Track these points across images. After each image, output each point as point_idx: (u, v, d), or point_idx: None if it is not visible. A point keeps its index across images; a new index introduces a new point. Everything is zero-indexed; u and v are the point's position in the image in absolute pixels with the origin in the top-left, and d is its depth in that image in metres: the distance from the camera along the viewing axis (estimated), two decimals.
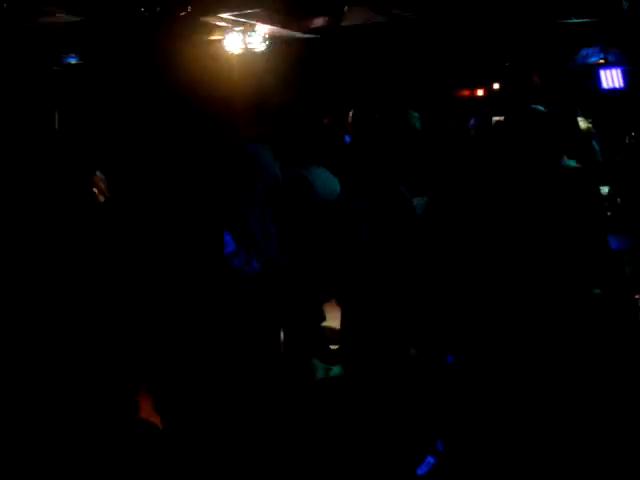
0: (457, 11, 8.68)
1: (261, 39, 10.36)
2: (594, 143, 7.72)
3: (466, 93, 12.53)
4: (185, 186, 5.28)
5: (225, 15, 9.56)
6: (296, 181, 5.17)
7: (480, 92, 12.57)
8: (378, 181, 4.17)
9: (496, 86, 12.28)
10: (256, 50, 10.36)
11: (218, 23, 9.93)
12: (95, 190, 4.32)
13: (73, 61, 11.74)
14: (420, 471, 4.35)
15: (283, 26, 10.05)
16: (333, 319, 5.41)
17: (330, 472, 4.37)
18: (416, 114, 4.34)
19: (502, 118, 10.86)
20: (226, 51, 10.38)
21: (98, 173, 4.39)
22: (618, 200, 7.15)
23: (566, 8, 7.53)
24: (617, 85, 10.61)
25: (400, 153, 4.19)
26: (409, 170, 4.23)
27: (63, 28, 9.79)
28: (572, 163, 4.35)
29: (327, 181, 5.19)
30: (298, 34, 10.50)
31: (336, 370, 5.46)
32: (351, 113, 6.59)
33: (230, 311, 4.86)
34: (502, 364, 4.25)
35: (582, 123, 7.16)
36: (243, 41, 10.33)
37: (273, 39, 10.52)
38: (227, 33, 10.24)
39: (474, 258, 4.40)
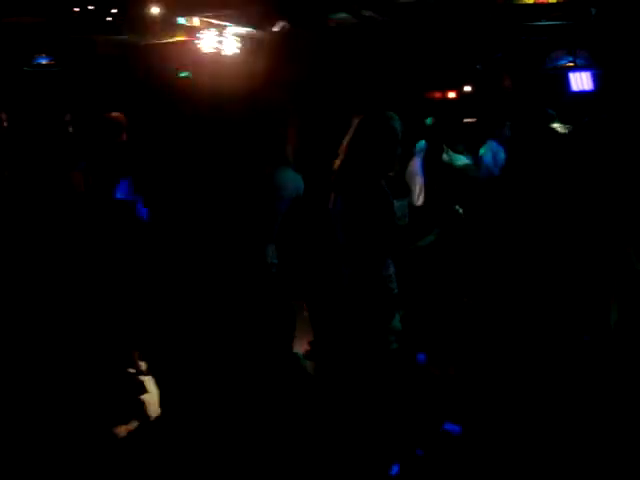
0: (429, 14, 8.74)
1: (232, 41, 10.39)
2: None
3: (438, 95, 12.57)
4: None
5: (197, 17, 9.60)
6: (263, 180, 5.27)
7: (452, 94, 12.62)
8: (361, 181, 4.19)
9: (467, 88, 12.36)
10: (227, 52, 10.39)
11: (190, 24, 9.96)
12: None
13: (44, 61, 11.71)
14: (392, 472, 4.38)
15: (255, 27, 10.09)
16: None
17: (305, 468, 4.40)
18: (396, 116, 4.36)
19: (473, 120, 10.96)
20: (199, 52, 10.41)
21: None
22: None
23: (536, 11, 7.60)
24: (586, 88, 10.70)
25: (383, 154, 4.22)
26: (391, 171, 4.26)
27: (31, 29, 9.79)
28: None
29: (293, 179, 5.28)
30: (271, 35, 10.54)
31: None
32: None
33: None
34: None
35: (560, 128, 7.17)
36: (216, 42, 10.36)
37: (245, 40, 10.54)
38: (200, 34, 10.24)
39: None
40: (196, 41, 10.23)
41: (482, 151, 8.26)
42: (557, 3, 7.15)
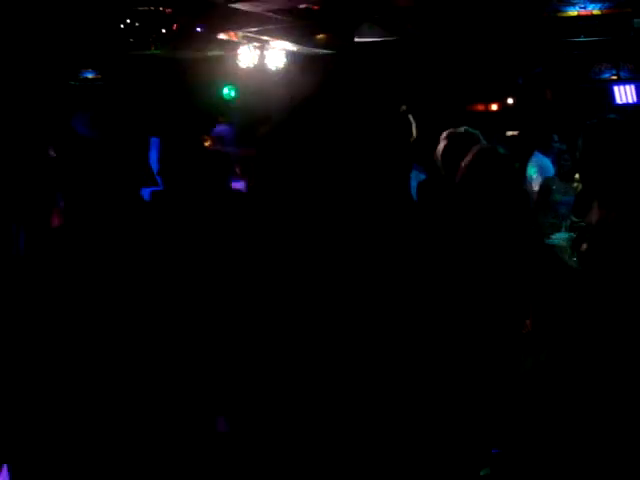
0: (471, 29, 8.77)
1: (278, 55, 10.49)
2: None
3: (480, 107, 12.59)
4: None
5: (241, 32, 9.70)
6: None
7: (494, 107, 12.64)
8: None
9: (510, 101, 12.36)
10: (272, 66, 10.49)
11: (234, 39, 10.04)
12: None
13: (90, 75, 11.90)
14: None
15: (299, 42, 10.16)
16: None
17: None
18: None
19: (515, 133, 10.95)
20: (240, 67, 10.51)
21: None
22: None
23: (576, 27, 7.59)
24: (631, 100, 10.64)
25: None
26: None
27: (79, 43, 9.94)
28: None
29: None
30: (314, 50, 10.61)
31: None
32: None
33: None
34: None
35: None
36: (260, 57, 10.46)
37: (289, 55, 10.64)
38: (241, 49, 10.34)
39: None
40: (239, 56, 10.34)
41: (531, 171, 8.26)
42: (601, 15, 7.14)
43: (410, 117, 4.82)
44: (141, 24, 9.19)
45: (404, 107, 5.42)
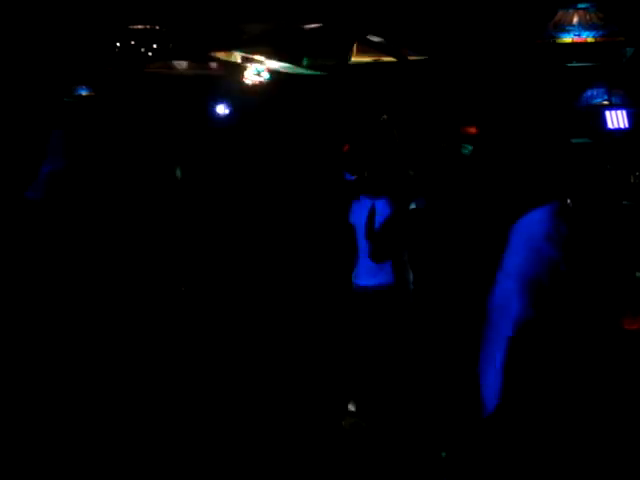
0: (467, 53, 8.83)
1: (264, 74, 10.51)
2: None
3: (473, 130, 12.64)
4: None
5: (234, 51, 9.74)
6: None
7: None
8: None
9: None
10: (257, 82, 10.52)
11: (227, 59, 10.08)
12: None
13: (84, 93, 11.90)
14: None
15: (293, 63, 10.20)
16: None
17: None
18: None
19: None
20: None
21: None
22: None
23: (568, 53, 7.64)
24: (622, 126, 10.69)
25: None
26: None
27: (74, 60, 9.96)
28: None
29: None
30: (306, 71, 10.65)
31: None
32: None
33: None
34: None
35: None
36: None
37: (280, 75, 10.68)
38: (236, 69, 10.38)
39: None
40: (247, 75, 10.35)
41: None
42: (595, 43, 7.20)
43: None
44: (136, 42, 9.21)
45: (385, 117, 5.48)
